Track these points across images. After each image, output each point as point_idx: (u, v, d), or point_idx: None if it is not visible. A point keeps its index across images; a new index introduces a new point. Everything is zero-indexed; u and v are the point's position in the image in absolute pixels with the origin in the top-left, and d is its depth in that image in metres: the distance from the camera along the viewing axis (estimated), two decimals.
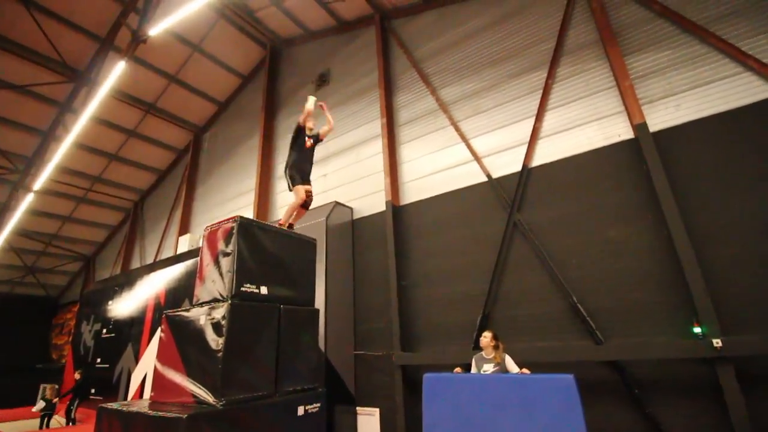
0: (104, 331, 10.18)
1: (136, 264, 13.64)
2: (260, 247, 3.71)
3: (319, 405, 3.69)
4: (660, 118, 5.25)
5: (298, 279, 4.04)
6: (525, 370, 3.81)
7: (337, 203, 7.68)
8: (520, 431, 3.12)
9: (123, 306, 10.02)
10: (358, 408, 6.51)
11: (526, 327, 5.43)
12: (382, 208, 7.39)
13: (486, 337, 3.98)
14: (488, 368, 3.83)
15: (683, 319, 4.45)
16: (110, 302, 10.53)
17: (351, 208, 7.94)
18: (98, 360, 9.88)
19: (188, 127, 13.30)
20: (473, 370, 3.98)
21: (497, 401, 3.29)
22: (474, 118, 6.98)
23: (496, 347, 3.96)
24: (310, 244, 4.35)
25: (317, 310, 4.14)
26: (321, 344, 6.18)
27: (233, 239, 3.50)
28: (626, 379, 4.64)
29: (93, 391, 9.20)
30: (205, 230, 3.87)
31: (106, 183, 13.94)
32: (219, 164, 12.26)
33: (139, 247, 14.16)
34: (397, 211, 7.25)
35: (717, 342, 4.09)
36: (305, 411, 3.53)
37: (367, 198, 7.87)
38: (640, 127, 5.22)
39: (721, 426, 4.07)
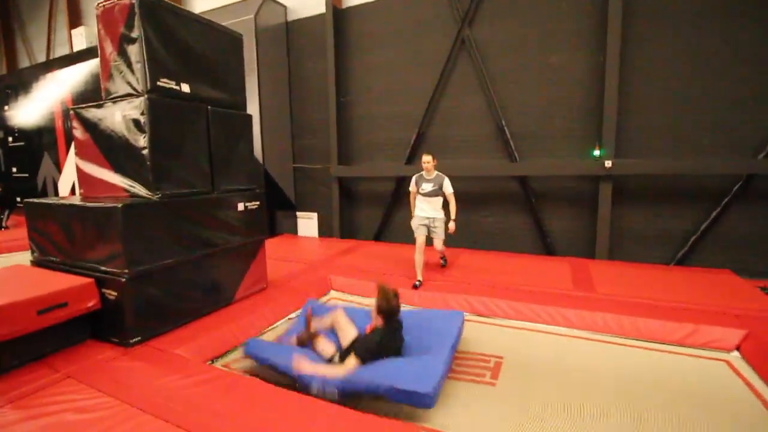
0: (10, 139, 9.24)
1: (24, 62, 11.40)
2: (174, 37, 3.18)
3: (258, 203, 3.94)
4: None
5: (225, 79, 3.68)
6: (451, 226, 4.18)
7: None
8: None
9: (24, 112, 8.87)
10: (298, 213, 7.17)
11: (457, 146, 5.84)
12: (322, 9, 6.42)
13: (428, 162, 4.23)
14: (427, 187, 4.25)
15: (590, 145, 5.03)
16: (6, 107, 9.21)
17: (285, 6, 6.80)
18: (14, 170, 9.31)
19: None
20: (412, 188, 4.38)
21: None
22: None
23: (436, 167, 4.31)
24: (236, 40, 3.81)
25: (250, 116, 3.95)
26: (258, 156, 6.23)
27: (136, 21, 2.92)
28: (527, 191, 5.48)
29: (19, 200, 8.94)
30: (97, 8, 3.14)
31: None
32: None
33: (23, 42, 11.54)
34: (339, 14, 6.37)
35: (608, 163, 4.81)
36: (245, 207, 3.79)
37: None
38: None
39: (587, 227, 5.20)
